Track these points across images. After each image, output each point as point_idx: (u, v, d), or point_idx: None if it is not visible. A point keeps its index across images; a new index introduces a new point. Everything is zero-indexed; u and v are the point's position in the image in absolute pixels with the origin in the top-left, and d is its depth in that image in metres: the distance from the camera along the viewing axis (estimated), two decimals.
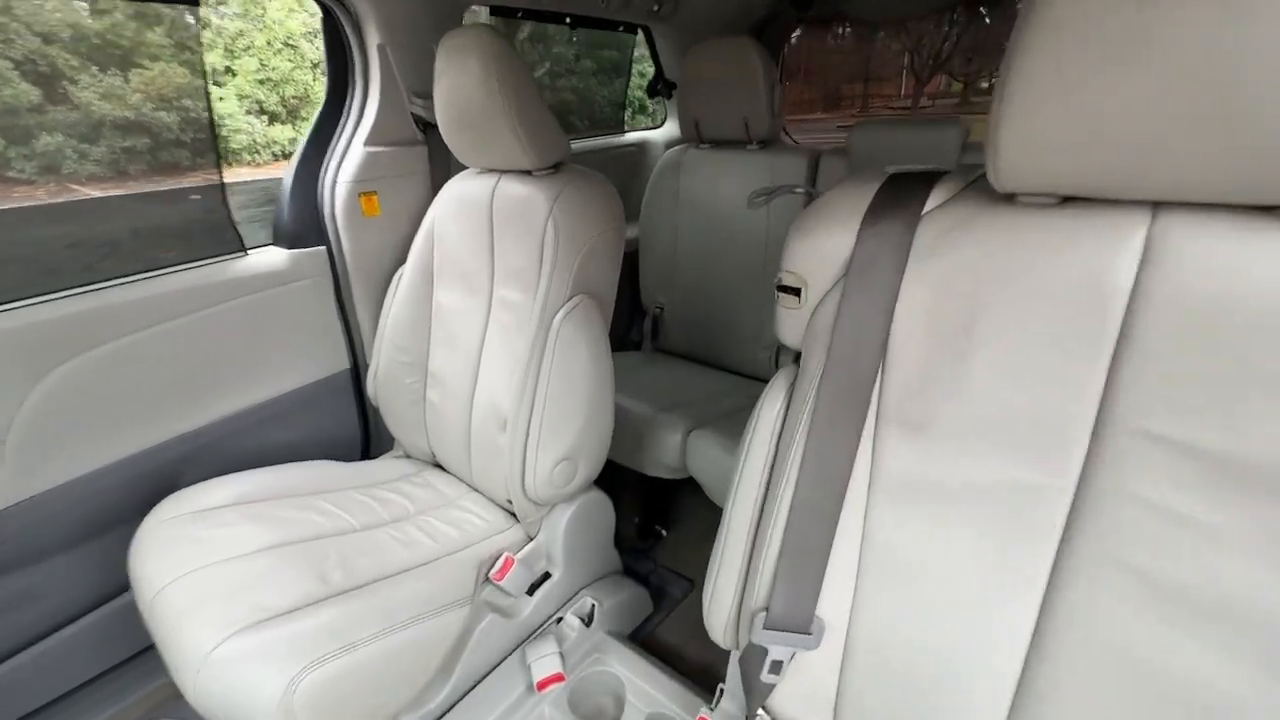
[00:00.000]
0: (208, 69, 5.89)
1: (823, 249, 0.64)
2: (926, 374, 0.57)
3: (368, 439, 1.52)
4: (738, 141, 1.63)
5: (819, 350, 0.63)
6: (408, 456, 1.44)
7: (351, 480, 1.24)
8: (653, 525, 1.64)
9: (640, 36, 1.93)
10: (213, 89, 5.48)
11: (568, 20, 1.70)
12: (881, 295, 0.59)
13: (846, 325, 0.61)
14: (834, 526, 0.62)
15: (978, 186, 0.59)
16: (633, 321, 2.03)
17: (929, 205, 0.59)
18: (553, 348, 1.05)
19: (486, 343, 1.23)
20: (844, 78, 17.16)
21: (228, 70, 5.85)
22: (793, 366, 0.70)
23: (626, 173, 2.08)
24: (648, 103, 2.18)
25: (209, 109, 4.20)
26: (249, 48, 5.93)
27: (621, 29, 1.79)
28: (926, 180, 0.61)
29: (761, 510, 0.69)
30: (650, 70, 2.03)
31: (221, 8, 5.77)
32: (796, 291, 0.67)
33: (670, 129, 2.10)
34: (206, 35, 5.31)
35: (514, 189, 1.15)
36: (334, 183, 1.31)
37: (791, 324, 0.69)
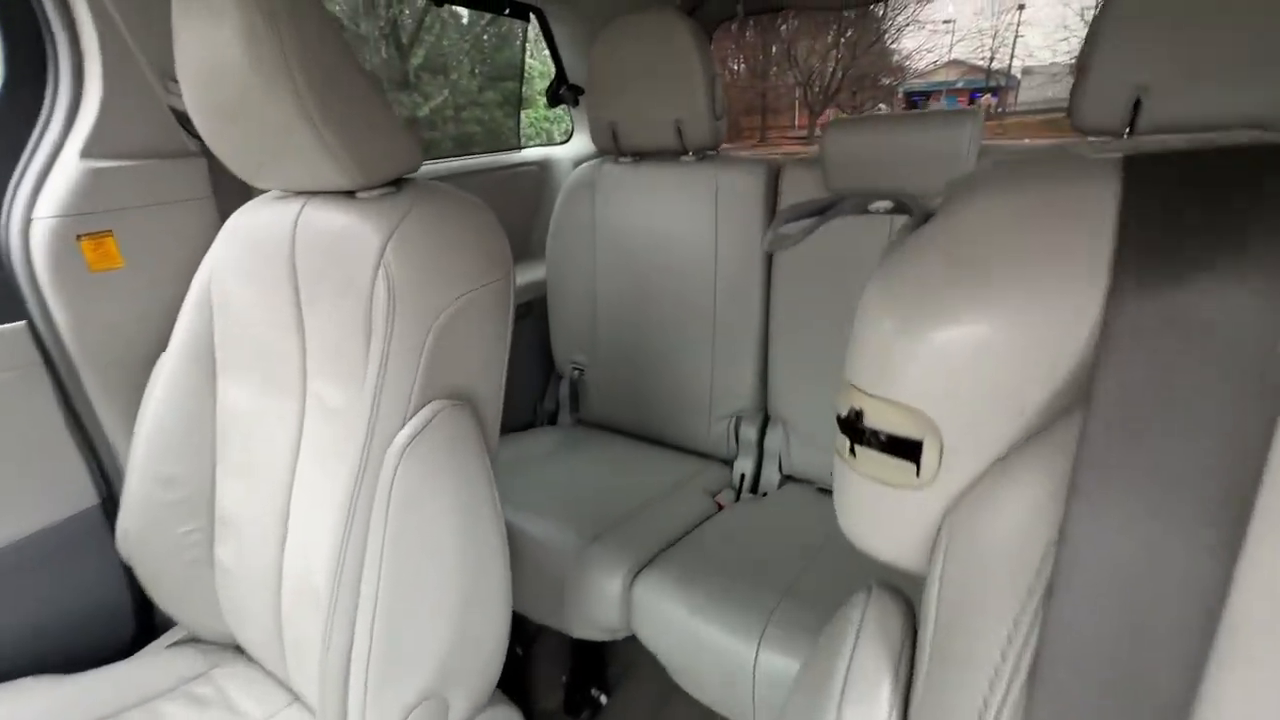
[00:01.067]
0: None
1: (995, 348, 0.27)
2: None
3: (143, 615, 0.97)
4: (669, 152, 1.24)
5: (1001, 607, 0.26)
6: (196, 641, 0.91)
7: (89, 710, 0.73)
8: (586, 691, 1.17)
9: (535, 28, 1.53)
10: None
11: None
12: (1200, 480, 0.22)
13: (1091, 554, 0.24)
14: None
15: None
16: (546, 387, 1.58)
17: None
18: (387, 496, 0.60)
19: (300, 472, 0.76)
20: (741, 109, 17.76)
21: None
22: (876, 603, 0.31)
23: (524, 200, 1.65)
24: (566, 118, 1.77)
25: None
26: None
27: (508, 12, 1.38)
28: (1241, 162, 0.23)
29: None
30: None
31: None
32: (912, 449, 0.29)
33: (580, 144, 1.70)
34: None
35: (325, 219, 0.70)
36: (24, 220, 0.79)
37: (891, 520, 0.32)
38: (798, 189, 1.11)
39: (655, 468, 1.29)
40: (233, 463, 0.82)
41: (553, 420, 1.56)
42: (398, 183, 0.71)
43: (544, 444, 1.38)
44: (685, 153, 1.22)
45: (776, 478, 1.26)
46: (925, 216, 0.32)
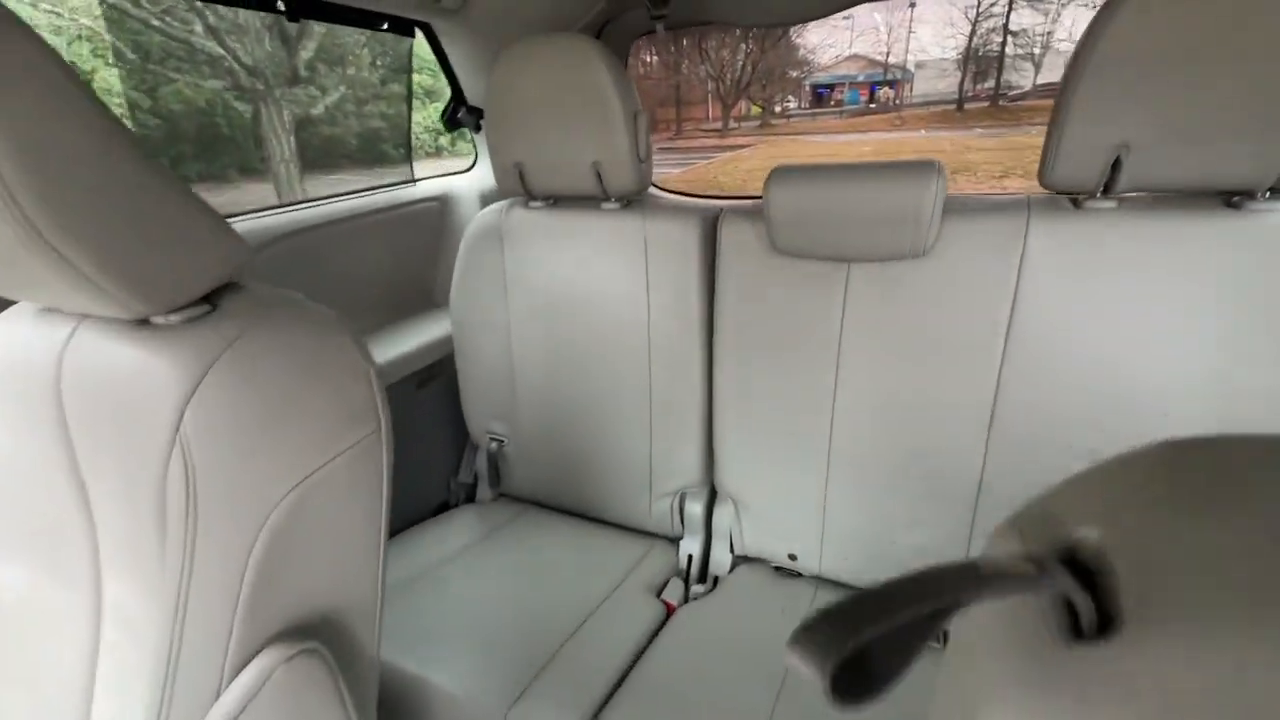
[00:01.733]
0: None
1: None
2: None
3: None
4: (588, 198, 1.07)
5: None
6: None
7: None
8: None
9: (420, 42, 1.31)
10: None
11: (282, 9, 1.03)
12: None
13: None
14: None
15: None
16: (460, 459, 1.38)
17: None
18: None
19: (97, 704, 0.55)
20: (656, 101, 17.71)
21: None
22: None
23: (423, 243, 1.43)
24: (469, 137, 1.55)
25: None
26: None
27: (386, 27, 1.16)
28: None
29: None
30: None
31: None
32: None
33: (485, 173, 1.49)
34: None
35: (102, 354, 0.49)
36: None
37: None
38: (739, 243, 0.97)
39: (591, 559, 1.12)
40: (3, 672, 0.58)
41: (471, 496, 1.36)
42: (216, 294, 0.50)
43: (459, 534, 1.19)
44: (608, 198, 1.06)
45: (728, 559, 1.13)
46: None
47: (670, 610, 1.02)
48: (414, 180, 1.44)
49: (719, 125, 17.69)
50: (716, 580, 1.12)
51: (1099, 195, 0.76)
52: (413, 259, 1.41)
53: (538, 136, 1.02)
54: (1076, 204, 0.79)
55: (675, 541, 1.18)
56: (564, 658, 0.88)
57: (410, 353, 1.22)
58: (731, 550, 1.13)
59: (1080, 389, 0.80)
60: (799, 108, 19.37)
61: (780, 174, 0.89)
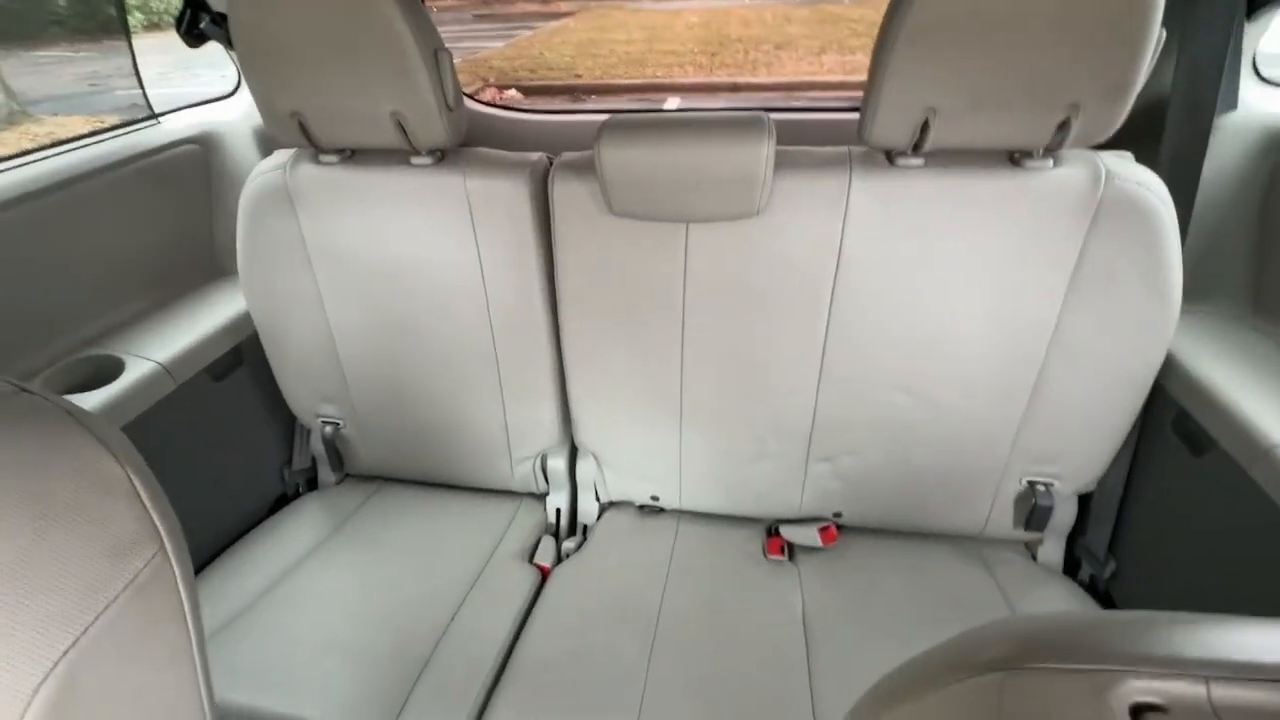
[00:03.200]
0: None
1: None
2: None
3: None
4: (394, 151, 0.91)
5: None
6: None
7: None
8: None
9: None
10: None
11: None
12: None
13: None
14: None
15: None
16: (293, 447, 1.23)
17: None
18: None
19: None
20: None
21: None
22: None
23: (186, 201, 1.15)
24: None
25: None
26: None
27: None
28: None
29: None
30: None
31: None
32: None
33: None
34: None
35: None
36: None
37: None
38: (574, 203, 0.90)
39: (457, 532, 1.10)
40: None
41: (312, 483, 1.24)
42: None
43: (304, 532, 1.09)
44: (417, 152, 0.91)
45: (595, 508, 1.16)
46: None
47: (545, 574, 1.04)
48: (155, 116, 1.13)
49: None
50: (586, 529, 1.15)
51: (910, 153, 0.79)
52: (179, 221, 1.14)
53: (315, 81, 0.83)
54: (891, 160, 0.82)
55: (542, 498, 1.19)
56: (440, 657, 0.87)
57: (197, 344, 1.02)
58: (597, 499, 1.16)
59: (894, 330, 0.88)
60: None
61: (612, 132, 0.81)
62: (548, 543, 1.11)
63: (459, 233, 0.94)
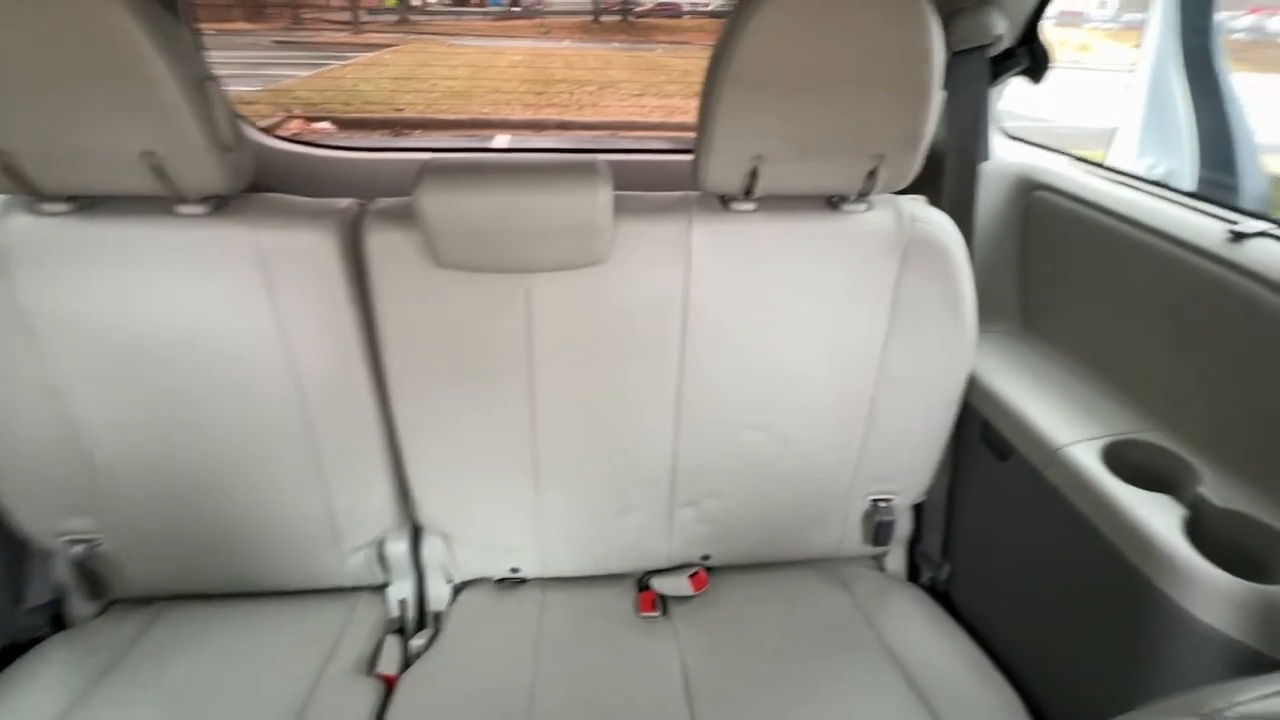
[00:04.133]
0: None
1: None
2: None
3: None
4: (152, 199, 0.74)
5: None
6: None
7: None
8: None
9: None
10: None
11: None
12: None
13: None
14: None
15: None
16: (21, 577, 0.94)
17: None
18: None
19: None
20: None
21: None
22: None
23: None
24: None
25: None
26: None
27: None
28: None
29: None
30: None
31: None
32: None
33: None
34: None
35: None
36: None
37: None
38: (394, 254, 0.79)
39: (273, 647, 0.90)
40: None
41: (58, 622, 0.95)
42: None
43: (49, 687, 0.82)
44: (182, 199, 0.74)
45: (446, 592, 1.03)
46: None
47: (390, 684, 0.89)
48: None
49: (349, 18, 15.14)
50: (438, 618, 1.01)
51: (742, 198, 0.81)
52: None
53: (30, 114, 0.64)
54: (726, 205, 0.83)
55: (382, 590, 1.02)
56: None
57: None
58: (449, 581, 1.03)
59: (745, 368, 0.89)
60: (440, 4, 17.72)
61: (433, 177, 0.73)
62: (392, 644, 0.95)
63: (251, 296, 0.78)
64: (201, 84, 0.68)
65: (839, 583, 1.05)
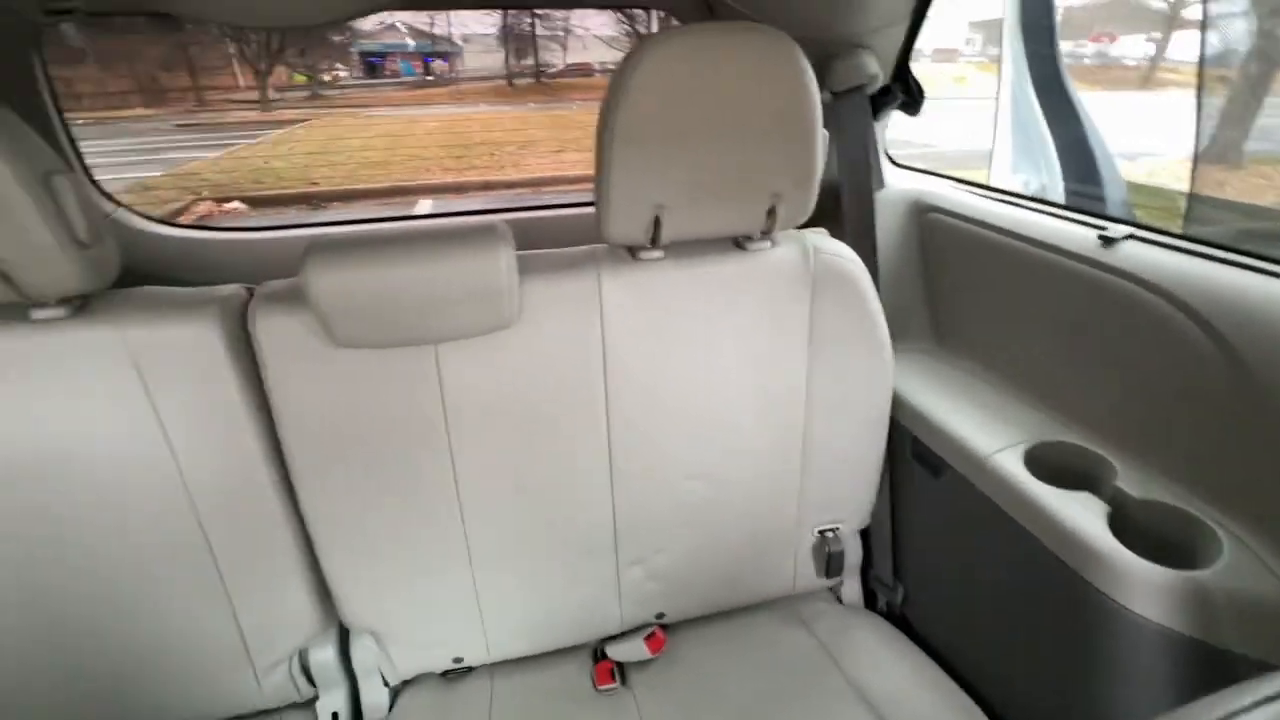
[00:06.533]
0: None
1: None
2: None
3: None
4: (6, 305, 0.67)
5: None
6: None
7: None
8: None
9: None
10: None
11: None
12: None
13: None
14: None
15: None
16: None
17: None
18: None
19: None
20: (158, 65, 13.88)
21: None
22: None
23: None
24: None
25: None
26: None
27: None
28: None
29: None
30: None
31: None
32: None
33: None
34: None
35: None
36: None
37: None
38: (285, 339, 0.74)
39: None
40: None
41: None
42: None
43: None
44: (37, 304, 0.67)
45: (384, 696, 0.94)
46: None
47: None
48: None
49: (257, 97, 14.91)
50: None
51: (650, 247, 0.81)
52: None
53: None
54: (634, 255, 0.83)
55: (309, 706, 0.92)
56: None
57: None
58: (386, 684, 0.94)
59: (674, 417, 0.87)
60: (351, 78, 17.76)
61: (318, 256, 0.69)
62: None
63: (127, 401, 0.71)
64: (48, 179, 0.62)
65: (798, 623, 1.02)
